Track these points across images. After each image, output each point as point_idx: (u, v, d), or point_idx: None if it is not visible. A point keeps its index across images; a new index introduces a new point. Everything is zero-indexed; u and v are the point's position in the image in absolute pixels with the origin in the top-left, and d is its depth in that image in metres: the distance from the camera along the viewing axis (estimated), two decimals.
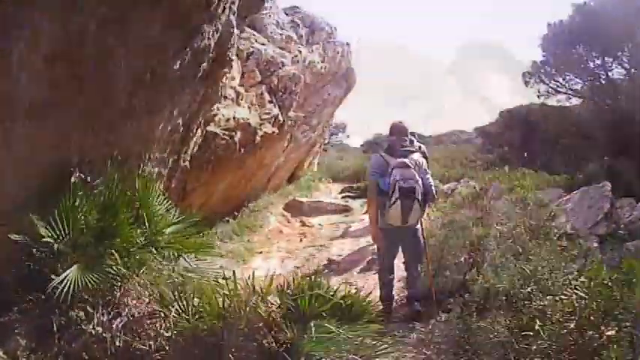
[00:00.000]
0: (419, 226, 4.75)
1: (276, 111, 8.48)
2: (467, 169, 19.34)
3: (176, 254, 3.92)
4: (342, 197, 13.40)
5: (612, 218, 6.38)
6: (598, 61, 13.67)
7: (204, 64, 4.82)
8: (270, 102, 8.50)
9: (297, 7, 12.33)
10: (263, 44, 9.24)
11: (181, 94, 4.97)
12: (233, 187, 9.17)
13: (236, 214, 9.66)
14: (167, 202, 4.53)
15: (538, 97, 16.81)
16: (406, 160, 4.46)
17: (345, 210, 11.30)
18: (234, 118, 7.25)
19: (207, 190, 8.04)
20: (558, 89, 15.77)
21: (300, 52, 10.82)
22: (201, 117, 5.78)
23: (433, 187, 4.68)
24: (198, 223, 4.65)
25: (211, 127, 6.85)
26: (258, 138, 7.92)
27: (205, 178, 7.49)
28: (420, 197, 4.37)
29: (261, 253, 8.31)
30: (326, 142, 38.14)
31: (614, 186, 7.19)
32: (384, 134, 10.47)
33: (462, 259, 4.96)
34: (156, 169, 5.42)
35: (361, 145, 35.41)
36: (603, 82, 13.47)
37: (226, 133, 7.08)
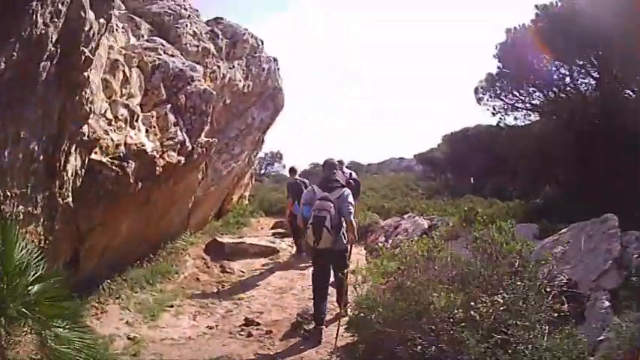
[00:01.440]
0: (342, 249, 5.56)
1: (182, 136, 7.10)
2: (408, 198, 18.68)
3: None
4: (273, 234, 12.11)
5: (623, 263, 4.76)
6: (564, 70, 12.11)
7: (47, 64, 3.50)
8: (176, 125, 7.13)
9: (221, 18, 11.02)
10: (172, 56, 7.93)
11: (23, 108, 3.60)
12: (141, 227, 7.69)
13: (152, 256, 8.28)
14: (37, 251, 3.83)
15: (493, 114, 14.52)
16: (328, 195, 5.36)
17: (272, 252, 9.95)
18: (125, 144, 5.84)
19: (108, 231, 6.57)
20: (516, 105, 13.81)
21: (219, 67, 9.57)
22: (67, 140, 4.38)
23: (351, 216, 5.37)
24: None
25: (96, 156, 5.43)
26: (159, 169, 6.50)
27: (99, 217, 6.01)
28: (329, 225, 5.17)
29: (172, 307, 6.93)
30: (261, 172, 37.66)
31: (578, 210, 6.10)
32: (320, 164, 9.80)
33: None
34: (21, 209, 4.03)
35: (298, 176, 34.30)
36: (569, 94, 11.97)
37: (116, 162, 5.66)
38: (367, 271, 4.83)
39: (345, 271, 5.30)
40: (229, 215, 14.38)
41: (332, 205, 5.24)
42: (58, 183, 4.60)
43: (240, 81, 10.35)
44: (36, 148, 4.02)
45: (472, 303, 3.62)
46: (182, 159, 7.04)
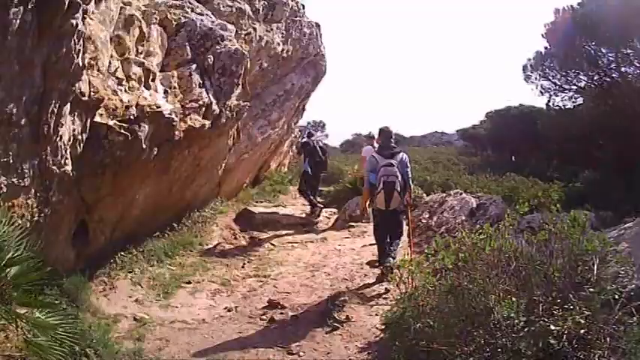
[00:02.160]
0: (402, 210, 6.10)
1: (208, 98, 6.44)
2: (451, 172, 18.14)
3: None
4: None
5: None
6: (609, 56, 11.82)
7: (19, 9, 2.86)
8: (201, 86, 6.47)
9: None
10: (201, 14, 7.21)
11: None
12: (162, 196, 7.21)
13: (175, 225, 7.78)
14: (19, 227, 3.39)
15: (542, 93, 14.71)
16: (391, 161, 5.77)
17: (306, 224, 9.34)
18: (137, 105, 5.23)
19: (120, 201, 6.08)
20: (563, 86, 13.84)
21: (255, 29, 8.80)
22: (57, 100, 3.79)
23: (410, 180, 6.04)
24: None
25: (101, 118, 4.85)
26: (178, 133, 5.90)
27: (107, 187, 5.50)
28: (398, 189, 5.69)
29: (189, 283, 6.41)
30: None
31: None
32: (365, 133, 10.26)
33: None
34: (3, 180, 3.50)
35: (341, 145, 34.33)
36: (615, 79, 11.72)
37: (125, 126, 5.06)
38: (415, 266, 4.06)
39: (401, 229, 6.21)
40: (266, 183, 13.89)
41: (396, 169, 5.76)
42: (50, 150, 4.03)
43: (278, 45, 9.55)
44: (15, 110, 3.43)
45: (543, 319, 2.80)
46: (207, 123, 6.41)
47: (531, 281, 3.22)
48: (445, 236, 7.03)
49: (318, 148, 9.91)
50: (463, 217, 7.56)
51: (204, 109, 6.36)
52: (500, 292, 3.14)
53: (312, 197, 9.91)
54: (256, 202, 12.04)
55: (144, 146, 5.46)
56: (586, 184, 11.48)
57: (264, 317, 5.44)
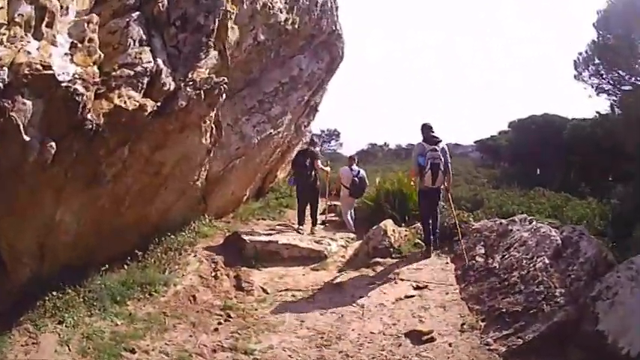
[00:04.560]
0: (442, 189, 6.74)
1: (154, 64, 4.06)
2: (477, 187, 16.21)
3: None
4: (322, 222, 9.01)
5: None
6: None
7: None
8: (143, 43, 4.09)
9: None
10: None
11: None
12: (108, 216, 5.12)
13: (140, 253, 5.71)
14: None
15: (597, 93, 13.65)
16: (435, 147, 6.51)
17: (316, 258, 6.73)
18: (13, 65, 2.90)
19: (32, 225, 4.16)
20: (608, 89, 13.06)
21: None
22: None
23: (450, 165, 6.73)
24: None
25: None
26: (94, 118, 3.52)
27: None
28: (442, 169, 6.48)
29: (133, 352, 4.43)
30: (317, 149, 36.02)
31: None
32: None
33: None
34: None
35: (356, 155, 33.08)
36: None
37: None
38: None
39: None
40: (271, 196, 11.50)
41: (440, 154, 6.48)
42: None
43: (280, 12, 7.12)
44: None
45: None
46: (151, 104, 4.02)
47: None
48: (521, 290, 4.60)
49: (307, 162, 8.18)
50: (546, 260, 4.86)
51: (145, 80, 3.96)
52: None
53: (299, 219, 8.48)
54: (257, 219, 9.75)
55: (25, 137, 3.10)
56: (621, 200, 10.44)
57: None
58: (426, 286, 5.38)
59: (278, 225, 9.51)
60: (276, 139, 8.82)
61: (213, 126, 5.66)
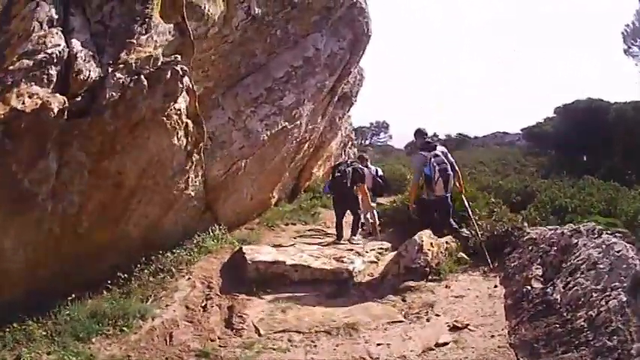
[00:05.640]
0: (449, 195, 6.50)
1: (63, 46, 3.05)
2: (526, 177, 16.21)
3: None
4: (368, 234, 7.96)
5: None
6: None
7: None
8: (55, 24, 3.10)
9: None
10: None
11: None
12: (66, 240, 4.39)
13: (124, 277, 5.00)
14: None
15: None
16: (436, 152, 6.40)
17: (334, 281, 5.39)
18: None
19: None
20: None
21: None
22: None
23: (455, 165, 6.59)
24: None
25: None
26: None
27: None
28: (452, 174, 6.36)
29: None
30: (366, 142, 35.67)
31: None
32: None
33: None
34: None
35: (405, 147, 33.09)
36: None
37: None
38: None
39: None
40: (305, 197, 10.47)
41: (443, 158, 6.39)
42: None
43: None
44: None
45: None
46: (60, 100, 3.00)
47: None
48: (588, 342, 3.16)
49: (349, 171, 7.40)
50: (622, 297, 3.32)
51: (54, 70, 2.95)
52: None
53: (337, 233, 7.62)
54: (286, 223, 8.86)
55: None
56: None
57: None
58: (467, 325, 4.03)
59: (309, 230, 8.58)
60: (296, 134, 7.66)
61: (188, 121, 4.57)
